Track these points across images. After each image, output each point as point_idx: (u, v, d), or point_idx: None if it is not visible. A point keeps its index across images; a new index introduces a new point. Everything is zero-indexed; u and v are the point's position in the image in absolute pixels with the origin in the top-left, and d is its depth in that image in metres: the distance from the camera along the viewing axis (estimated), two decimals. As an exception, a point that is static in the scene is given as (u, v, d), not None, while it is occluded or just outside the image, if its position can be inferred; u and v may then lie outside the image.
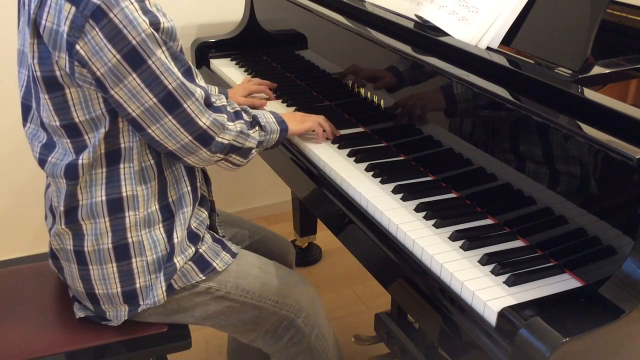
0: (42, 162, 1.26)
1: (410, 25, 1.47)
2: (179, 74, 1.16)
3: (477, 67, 1.27)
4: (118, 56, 1.09)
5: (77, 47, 1.09)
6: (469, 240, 1.15)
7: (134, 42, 1.09)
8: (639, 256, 0.94)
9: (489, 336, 0.99)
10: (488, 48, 1.32)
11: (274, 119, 1.41)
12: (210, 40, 2.20)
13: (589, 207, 1.05)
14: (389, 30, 1.50)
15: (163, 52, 1.14)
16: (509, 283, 1.05)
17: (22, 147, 2.23)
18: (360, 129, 1.62)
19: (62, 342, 1.31)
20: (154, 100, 1.15)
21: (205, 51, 2.19)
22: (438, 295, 1.09)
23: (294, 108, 1.73)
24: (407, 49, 1.41)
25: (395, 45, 1.43)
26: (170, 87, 1.15)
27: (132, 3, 1.09)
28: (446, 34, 1.39)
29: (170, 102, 1.16)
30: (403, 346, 1.75)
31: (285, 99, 1.80)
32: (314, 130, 1.53)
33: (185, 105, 1.17)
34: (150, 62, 1.12)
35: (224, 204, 1.90)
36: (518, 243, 1.17)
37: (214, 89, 1.70)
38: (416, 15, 1.48)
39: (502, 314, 0.98)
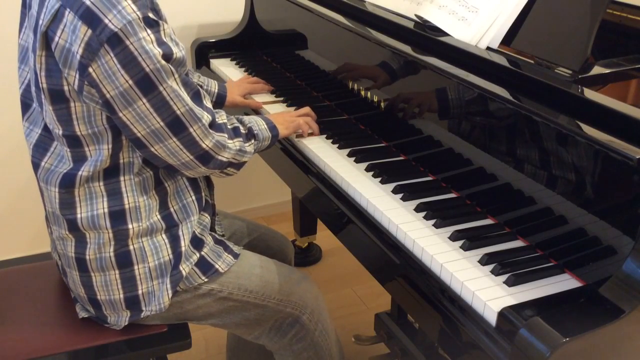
0: (35, 166, 1.26)
1: (410, 25, 1.47)
2: (188, 100, 1.18)
3: (477, 67, 1.27)
4: (130, 82, 1.10)
5: (90, 69, 1.09)
6: (469, 240, 1.15)
7: (147, 69, 1.10)
8: (639, 256, 0.94)
9: (489, 336, 0.99)
10: (488, 48, 1.32)
11: (265, 126, 1.43)
12: (210, 40, 2.20)
13: (589, 207, 1.05)
14: (389, 30, 1.50)
15: (175, 79, 1.15)
16: (509, 283, 1.05)
17: (22, 147, 2.22)
18: (360, 129, 1.62)
19: (61, 342, 1.31)
20: (161, 123, 1.16)
21: (205, 51, 2.19)
22: (438, 295, 1.09)
23: (293, 108, 1.73)
24: (407, 49, 1.41)
25: (395, 45, 1.43)
26: (178, 112, 1.17)
27: (148, 34, 1.09)
28: (446, 34, 1.39)
29: (177, 126, 1.18)
30: (403, 346, 1.75)
31: (286, 99, 1.80)
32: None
33: (191, 130, 1.19)
34: (161, 88, 1.13)
35: (224, 204, 1.90)
36: (518, 243, 1.17)
37: (213, 84, 1.71)
38: (416, 15, 1.48)
39: (502, 314, 0.98)
